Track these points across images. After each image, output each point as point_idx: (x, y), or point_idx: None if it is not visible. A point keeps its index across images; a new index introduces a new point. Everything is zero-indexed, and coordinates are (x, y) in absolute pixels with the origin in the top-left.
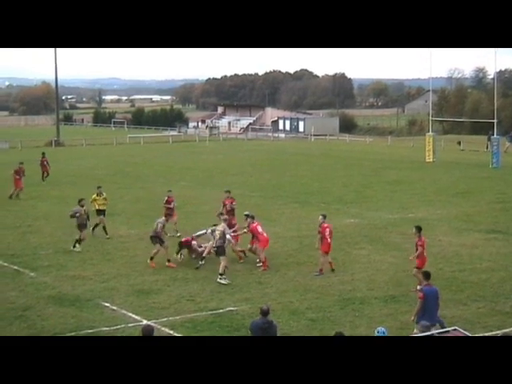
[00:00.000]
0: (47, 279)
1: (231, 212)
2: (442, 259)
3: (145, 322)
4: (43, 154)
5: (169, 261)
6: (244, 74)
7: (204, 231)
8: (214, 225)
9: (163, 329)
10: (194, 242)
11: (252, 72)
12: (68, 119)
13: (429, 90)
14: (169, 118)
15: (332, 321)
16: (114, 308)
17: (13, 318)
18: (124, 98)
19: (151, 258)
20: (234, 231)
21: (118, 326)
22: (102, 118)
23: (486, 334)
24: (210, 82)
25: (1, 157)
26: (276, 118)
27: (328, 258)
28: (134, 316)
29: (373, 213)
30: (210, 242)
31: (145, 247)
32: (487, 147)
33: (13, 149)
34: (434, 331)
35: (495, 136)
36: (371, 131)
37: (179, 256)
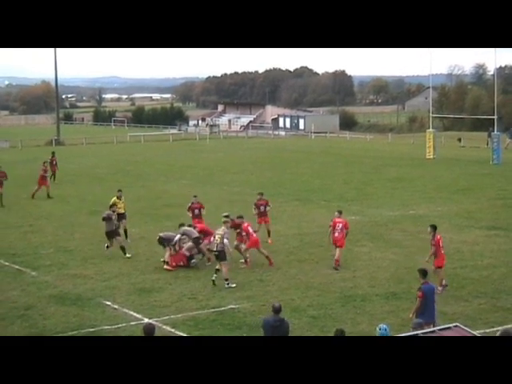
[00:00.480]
0: (49, 278)
1: (264, 213)
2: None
3: (146, 320)
4: (53, 153)
5: (166, 263)
6: (244, 72)
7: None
8: (181, 224)
9: (165, 327)
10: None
11: (252, 70)
12: (68, 118)
13: (429, 87)
14: (169, 117)
15: (333, 318)
16: (116, 307)
17: (15, 317)
18: (124, 96)
19: (166, 263)
20: (255, 231)
21: (120, 325)
22: (102, 117)
23: (488, 331)
24: (210, 80)
25: (1, 156)
26: (276, 116)
27: (336, 252)
28: (135, 314)
29: (374, 210)
30: (190, 244)
31: (145, 245)
32: (487, 144)
33: (13, 148)
34: (434, 328)
35: (495, 132)
36: (371, 128)
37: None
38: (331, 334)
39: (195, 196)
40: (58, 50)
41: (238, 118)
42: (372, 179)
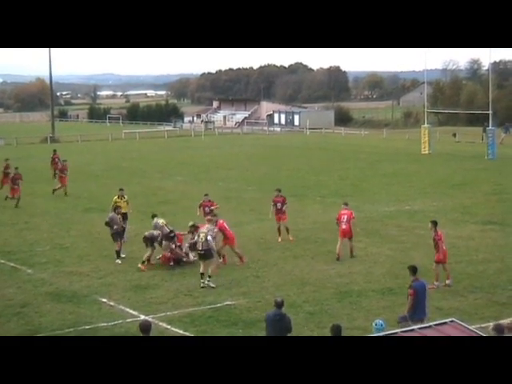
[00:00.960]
0: (44, 276)
1: (280, 211)
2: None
3: (142, 317)
4: (54, 151)
5: (143, 262)
6: (239, 68)
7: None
8: (154, 215)
9: (161, 324)
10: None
11: (247, 66)
12: (63, 115)
13: (424, 82)
14: (164, 113)
15: (329, 314)
16: (112, 304)
17: (11, 314)
18: (119, 93)
19: (142, 262)
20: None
21: (116, 322)
22: (97, 114)
23: (483, 325)
24: (205, 76)
25: None
26: (271, 112)
27: (340, 244)
28: (131, 311)
29: (369, 206)
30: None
31: (141, 242)
32: (482, 139)
33: (8, 145)
34: (431, 323)
35: (490, 127)
36: (366, 124)
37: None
38: (327, 330)
39: (206, 194)
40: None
41: (233, 114)
42: (367, 175)
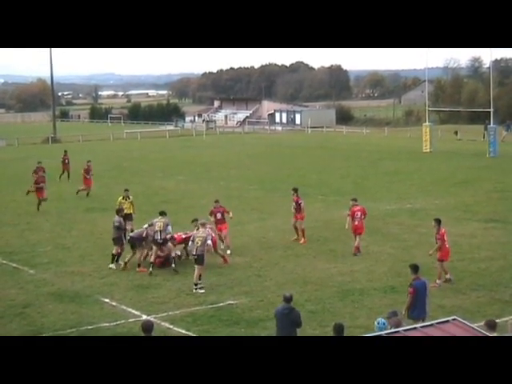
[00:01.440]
0: (46, 276)
1: (299, 209)
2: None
3: (145, 317)
4: (65, 152)
5: (139, 265)
6: (240, 68)
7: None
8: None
9: (163, 323)
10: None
11: (248, 65)
12: (64, 115)
13: (425, 81)
14: (165, 113)
15: (331, 312)
16: (114, 304)
17: (13, 315)
18: (120, 93)
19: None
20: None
21: (118, 322)
22: (98, 114)
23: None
24: (206, 75)
25: None
26: (273, 111)
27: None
28: (133, 311)
29: (371, 204)
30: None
31: None
32: (484, 136)
33: (10, 146)
34: (433, 321)
35: (492, 125)
36: (368, 122)
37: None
38: (330, 329)
39: (216, 201)
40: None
41: (235, 113)
42: (369, 173)
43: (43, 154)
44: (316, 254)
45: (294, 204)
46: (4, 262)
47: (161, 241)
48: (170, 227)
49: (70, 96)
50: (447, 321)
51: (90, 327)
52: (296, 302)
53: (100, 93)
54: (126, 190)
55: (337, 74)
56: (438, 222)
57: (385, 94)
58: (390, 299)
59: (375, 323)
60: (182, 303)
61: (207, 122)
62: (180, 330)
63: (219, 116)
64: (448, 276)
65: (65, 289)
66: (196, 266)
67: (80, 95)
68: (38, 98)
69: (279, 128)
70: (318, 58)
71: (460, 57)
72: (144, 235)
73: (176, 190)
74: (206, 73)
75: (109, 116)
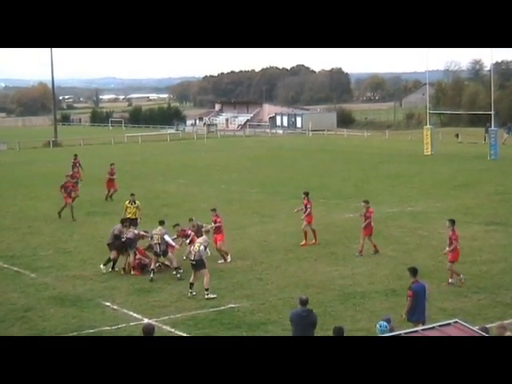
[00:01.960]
0: (48, 280)
1: (307, 213)
2: (441, 252)
3: (146, 320)
4: (75, 155)
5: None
6: (241, 71)
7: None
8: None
9: (164, 327)
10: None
11: (249, 68)
12: (65, 119)
13: (426, 83)
14: (166, 116)
15: (333, 315)
16: (115, 307)
17: (14, 319)
18: (121, 97)
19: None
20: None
21: (120, 326)
22: (99, 118)
23: (487, 326)
24: (207, 79)
25: None
26: (273, 114)
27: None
28: (135, 315)
29: (372, 207)
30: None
31: (143, 245)
32: (485, 139)
33: (11, 150)
34: (434, 324)
35: (493, 128)
36: (369, 125)
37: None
38: (331, 332)
39: (213, 209)
40: (55, 51)
41: (236, 116)
42: (370, 176)
43: (44, 157)
44: (317, 257)
45: (303, 207)
46: (5, 265)
47: (161, 253)
48: (167, 236)
49: (71, 100)
50: (449, 323)
51: (91, 331)
52: (297, 305)
53: (101, 96)
54: (132, 195)
55: (338, 77)
56: (453, 222)
57: (386, 97)
58: (392, 302)
59: (377, 326)
60: (184, 307)
61: (208, 125)
62: (181, 334)
63: (220, 119)
64: (451, 280)
65: (66, 293)
66: (198, 272)
67: (81, 99)
68: (38, 101)
69: (280, 131)
70: (319, 60)
71: (461, 59)
72: (138, 236)
73: (177, 193)
74: (206, 76)
75: (110, 120)
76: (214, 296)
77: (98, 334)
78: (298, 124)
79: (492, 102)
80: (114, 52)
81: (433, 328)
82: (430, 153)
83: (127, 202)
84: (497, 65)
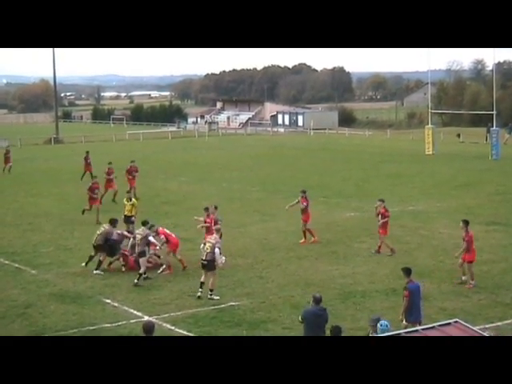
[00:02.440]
0: (48, 276)
1: (303, 211)
2: (442, 251)
3: (146, 318)
4: (87, 152)
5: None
6: (242, 69)
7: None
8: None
9: (165, 324)
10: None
11: (250, 67)
12: (67, 116)
13: (427, 83)
14: (168, 114)
15: (333, 314)
16: (116, 304)
17: (15, 315)
18: (123, 94)
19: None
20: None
21: (120, 323)
22: (100, 115)
23: (487, 326)
24: (209, 77)
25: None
26: (275, 113)
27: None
28: (135, 312)
29: (373, 206)
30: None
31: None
32: (486, 139)
33: (12, 146)
34: (434, 324)
35: (494, 128)
36: (370, 124)
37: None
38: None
39: (206, 208)
40: (57, 48)
41: (237, 115)
42: (371, 175)
43: (46, 154)
44: (318, 255)
45: (301, 206)
46: (6, 262)
47: (205, 262)
48: (151, 238)
49: (72, 97)
50: (449, 323)
51: (91, 328)
52: (298, 303)
53: (102, 94)
54: (128, 192)
55: (339, 76)
56: (466, 223)
57: (387, 96)
58: (392, 301)
59: (378, 325)
60: (184, 304)
61: (209, 123)
62: (181, 331)
63: (221, 117)
64: (464, 278)
65: (67, 289)
66: (208, 273)
67: (82, 96)
68: (40, 98)
69: (281, 130)
70: (321, 59)
71: (463, 59)
72: (122, 236)
73: (178, 191)
74: (208, 74)
75: (111, 117)
76: (218, 298)
77: (99, 331)
78: (300, 123)
79: (494, 102)
80: (115, 50)
81: (433, 328)
82: (431, 152)
83: (124, 199)
84: (499, 65)
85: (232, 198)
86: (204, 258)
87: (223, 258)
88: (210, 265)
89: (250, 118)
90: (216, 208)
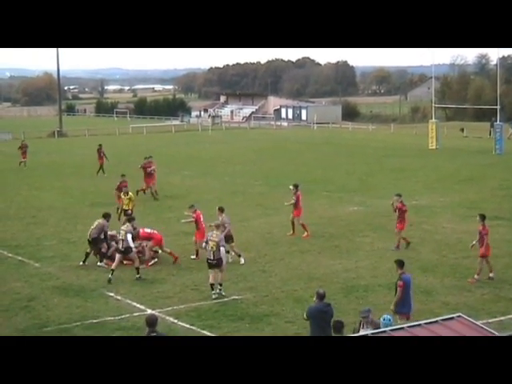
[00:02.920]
0: (52, 270)
1: (295, 205)
2: (445, 246)
3: (149, 311)
4: (100, 145)
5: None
6: (246, 63)
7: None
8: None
9: (168, 318)
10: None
11: (254, 61)
12: (70, 110)
13: (431, 77)
14: (171, 108)
15: (336, 308)
16: (119, 298)
17: (18, 308)
18: (126, 87)
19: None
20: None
21: (123, 316)
22: (104, 108)
23: (490, 321)
24: (213, 70)
25: (4, 148)
26: (278, 107)
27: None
28: (138, 305)
29: (376, 200)
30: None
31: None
32: (490, 134)
33: (16, 140)
34: (437, 318)
35: (498, 122)
36: (374, 119)
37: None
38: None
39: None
40: None
41: (241, 108)
42: (374, 170)
43: (49, 148)
44: (321, 250)
45: (291, 200)
46: (10, 255)
47: (123, 249)
48: (129, 236)
49: (76, 90)
50: (452, 318)
51: (94, 321)
52: (301, 297)
53: (106, 87)
54: (125, 186)
55: (343, 70)
56: (483, 217)
57: (391, 91)
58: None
59: (381, 319)
60: (187, 298)
61: (213, 117)
62: (184, 325)
63: (225, 111)
64: (491, 274)
65: (70, 282)
66: (215, 270)
67: (86, 89)
68: (44, 91)
69: (285, 124)
70: (325, 53)
71: (467, 54)
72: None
73: (181, 185)
74: (212, 68)
75: (115, 110)
76: (224, 294)
77: (102, 325)
78: (303, 117)
79: (498, 97)
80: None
81: (436, 322)
82: (434, 147)
83: (121, 193)
84: (503, 59)
85: (235, 192)
86: (212, 257)
87: (229, 257)
88: (219, 263)
89: (253, 112)
90: (222, 210)
